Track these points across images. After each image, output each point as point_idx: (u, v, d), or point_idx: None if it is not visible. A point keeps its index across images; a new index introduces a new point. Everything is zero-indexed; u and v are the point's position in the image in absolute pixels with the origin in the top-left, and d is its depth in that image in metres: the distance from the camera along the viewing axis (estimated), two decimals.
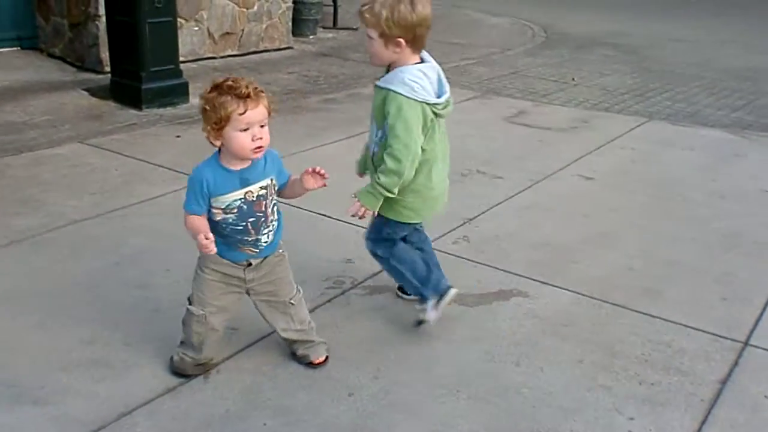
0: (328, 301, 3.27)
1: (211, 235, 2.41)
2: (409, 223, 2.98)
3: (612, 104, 7.07)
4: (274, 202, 2.55)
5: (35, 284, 3.29)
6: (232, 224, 2.48)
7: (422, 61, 2.79)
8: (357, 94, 6.97)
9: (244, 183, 2.46)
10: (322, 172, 2.58)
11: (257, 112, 2.36)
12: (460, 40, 10.08)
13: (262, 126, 2.39)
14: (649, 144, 5.82)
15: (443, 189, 2.99)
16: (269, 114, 2.43)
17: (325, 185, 2.62)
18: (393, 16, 2.62)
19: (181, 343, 2.68)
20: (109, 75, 6.36)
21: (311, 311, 3.11)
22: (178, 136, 5.44)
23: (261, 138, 2.39)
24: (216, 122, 2.35)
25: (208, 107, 2.36)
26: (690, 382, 2.82)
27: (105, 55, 6.66)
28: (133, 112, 5.95)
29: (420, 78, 2.70)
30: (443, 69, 2.90)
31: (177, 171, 4.66)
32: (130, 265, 3.50)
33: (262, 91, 2.40)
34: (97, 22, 6.84)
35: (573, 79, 8.11)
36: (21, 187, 4.38)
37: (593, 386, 2.77)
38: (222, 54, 8.03)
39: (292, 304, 2.70)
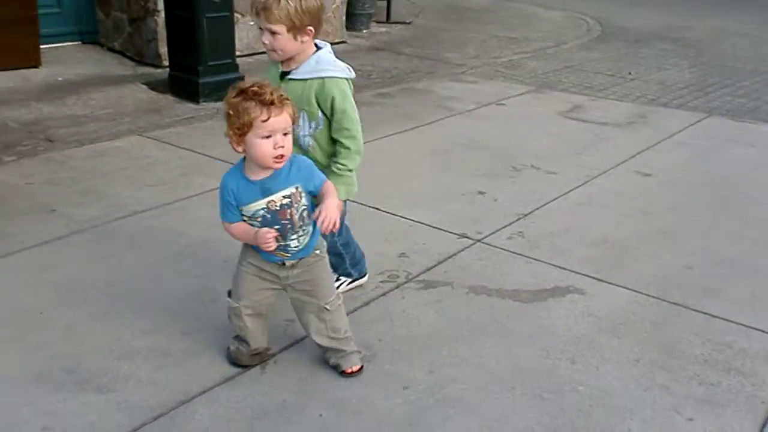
0: (383, 294, 3.28)
1: (271, 230, 2.43)
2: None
3: (670, 99, 6.94)
4: (303, 208, 2.48)
5: (97, 274, 3.37)
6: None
7: (317, 48, 2.81)
8: (410, 89, 6.97)
9: (266, 193, 2.42)
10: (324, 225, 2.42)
11: (281, 119, 2.32)
12: (513, 34, 9.99)
13: (285, 134, 2.34)
14: (709, 140, 5.70)
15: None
16: (293, 122, 2.40)
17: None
18: (302, 7, 2.63)
19: (235, 335, 2.72)
20: (168, 69, 6.47)
21: (366, 305, 3.13)
22: None
23: (283, 146, 2.34)
24: (238, 128, 2.32)
25: (231, 112, 2.33)
26: (751, 384, 2.76)
27: (163, 49, 6.77)
28: (190, 105, 6.04)
29: (336, 60, 2.80)
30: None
31: (233, 164, 4.71)
32: (188, 256, 3.56)
33: (287, 99, 2.36)
34: (156, 17, 6.95)
35: (630, 73, 7.97)
36: (82, 178, 4.49)
37: (651, 386, 2.73)
38: None
39: (328, 309, 2.63)
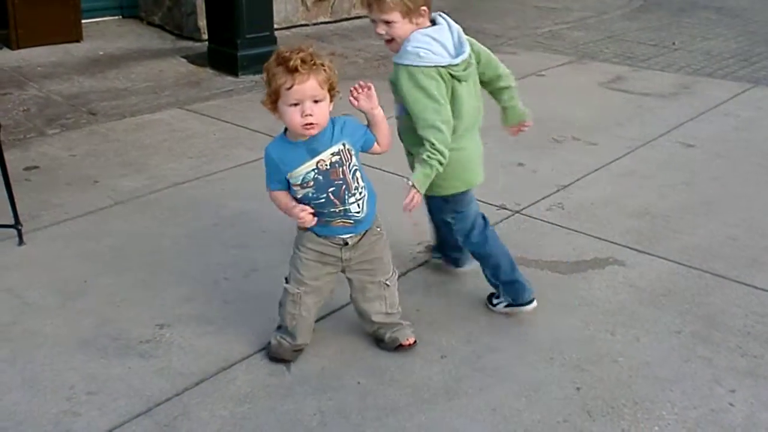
0: (420, 265, 3.28)
1: (306, 207, 2.40)
2: (456, 195, 2.80)
3: (715, 69, 6.78)
4: (355, 168, 2.41)
5: (139, 243, 3.43)
6: (313, 198, 2.39)
7: (434, 23, 2.65)
8: None
9: (313, 153, 2.34)
10: (360, 83, 2.41)
11: (306, 86, 2.22)
12: (553, 4, 9.82)
13: (316, 101, 2.25)
14: (755, 111, 5.56)
15: (480, 152, 2.83)
16: (331, 89, 2.30)
17: (371, 95, 2.43)
18: None
19: (278, 327, 2.64)
20: (207, 43, 6.51)
21: (403, 275, 3.14)
22: None
23: (311, 114, 2.25)
24: (269, 95, 2.28)
25: (265, 78, 2.30)
26: None
27: (202, 23, 6.80)
28: (229, 78, 6.07)
29: (427, 42, 2.55)
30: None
31: (272, 136, 4.68)
32: (228, 227, 3.60)
33: (321, 64, 2.26)
34: None
35: (673, 43, 7.80)
36: (124, 150, 4.55)
37: (692, 357, 2.70)
38: (315, 21, 8.08)
39: (387, 285, 2.59)
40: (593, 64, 6.89)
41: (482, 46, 2.78)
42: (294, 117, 2.26)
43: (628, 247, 3.46)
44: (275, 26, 6.48)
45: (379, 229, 2.57)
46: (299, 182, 2.37)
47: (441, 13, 2.67)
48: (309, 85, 2.23)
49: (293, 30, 7.73)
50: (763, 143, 4.88)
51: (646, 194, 4.06)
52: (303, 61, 2.21)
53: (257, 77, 6.10)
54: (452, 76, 2.59)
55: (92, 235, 3.50)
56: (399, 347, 2.66)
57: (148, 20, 7.57)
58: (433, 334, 2.79)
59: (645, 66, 6.86)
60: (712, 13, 9.57)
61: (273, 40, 6.34)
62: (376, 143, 2.50)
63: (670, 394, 2.50)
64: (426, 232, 3.28)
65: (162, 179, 4.12)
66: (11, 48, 6.46)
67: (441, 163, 2.54)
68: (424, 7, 2.57)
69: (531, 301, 2.88)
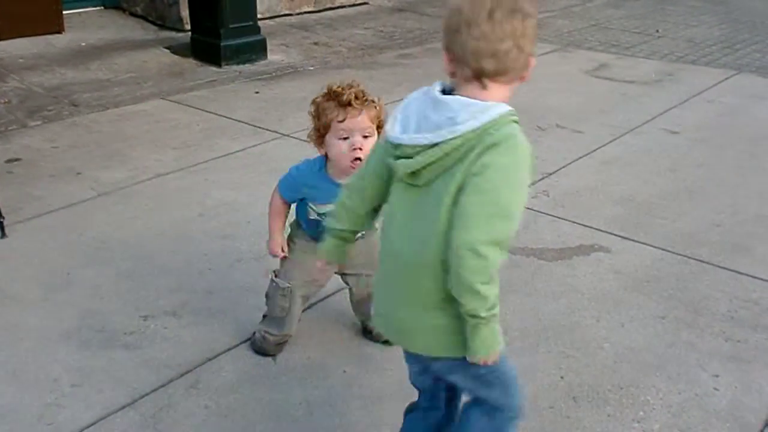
0: None
1: (284, 244, 2.47)
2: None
3: (698, 57, 6.80)
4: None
5: (123, 235, 3.41)
6: (324, 225, 2.31)
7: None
8: (433, 49, 6.89)
9: None
10: None
11: (357, 121, 2.25)
12: None
13: (365, 137, 2.27)
14: (738, 98, 5.58)
15: (384, 305, 1.81)
16: (380, 127, 2.28)
17: None
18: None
19: (264, 318, 2.61)
20: (189, 33, 6.45)
21: None
22: (256, 92, 5.49)
23: (360, 149, 2.25)
24: (318, 129, 2.30)
25: (313, 112, 2.32)
26: None
27: (185, 13, 6.74)
28: (213, 68, 6.03)
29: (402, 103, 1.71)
30: None
31: (256, 126, 4.72)
32: (212, 217, 3.58)
33: (373, 101, 2.29)
34: None
35: (657, 31, 7.81)
36: (107, 141, 4.51)
37: (676, 342, 2.71)
38: (298, 11, 8.03)
39: None
40: (578, 52, 6.90)
41: (488, 179, 1.56)
42: (342, 150, 2.26)
43: (613, 234, 3.47)
44: (258, 16, 6.44)
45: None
46: (319, 213, 2.37)
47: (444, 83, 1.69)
48: (360, 120, 2.25)
49: (277, 20, 7.68)
50: (747, 129, 4.91)
51: (631, 181, 4.07)
52: (356, 96, 2.25)
53: (240, 67, 6.07)
54: (390, 159, 1.68)
55: (75, 227, 3.47)
56: (386, 342, 2.60)
57: (131, 11, 7.50)
58: None
59: (629, 54, 6.87)
60: (696, 1, 9.59)
61: (256, 30, 6.31)
62: None
63: (654, 379, 2.52)
64: None
65: (145, 170, 4.09)
66: None
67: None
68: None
69: None
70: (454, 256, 1.55)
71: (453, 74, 1.63)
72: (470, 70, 1.59)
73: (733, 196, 3.92)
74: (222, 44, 6.04)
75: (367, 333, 2.68)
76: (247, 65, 6.14)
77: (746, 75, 6.20)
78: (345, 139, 2.25)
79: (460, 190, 1.56)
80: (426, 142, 1.58)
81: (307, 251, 2.44)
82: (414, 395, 2.02)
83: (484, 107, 1.56)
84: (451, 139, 1.55)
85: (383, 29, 7.69)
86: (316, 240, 2.35)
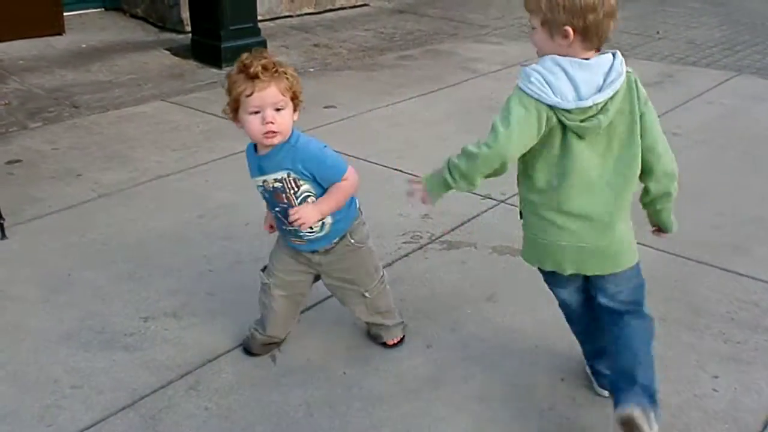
0: (405, 255, 3.28)
1: (272, 220, 2.47)
2: (542, 270, 2.33)
3: (699, 58, 6.80)
4: (307, 195, 2.29)
5: (123, 236, 3.41)
6: (269, 209, 2.43)
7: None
8: (433, 51, 6.90)
9: (261, 171, 2.31)
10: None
11: (267, 93, 2.15)
12: None
13: (277, 109, 2.18)
14: (739, 99, 5.59)
15: (590, 240, 2.15)
16: (294, 98, 2.23)
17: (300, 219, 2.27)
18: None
19: (259, 318, 2.60)
20: (190, 34, 6.47)
21: (388, 266, 3.13)
22: None
23: (272, 123, 2.17)
24: (229, 103, 2.22)
25: (225, 86, 2.24)
26: None
27: (185, 15, 6.75)
28: (213, 70, 6.04)
29: (550, 72, 1.99)
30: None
31: None
32: (212, 219, 3.58)
33: (284, 72, 2.19)
34: None
35: (657, 32, 7.82)
36: (108, 143, 4.52)
37: (676, 343, 2.72)
38: (298, 12, 8.04)
39: (366, 296, 2.51)
40: None
41: (653, 112, 2.12)
42: (254, 125, 2.19)
43: None
44: (259, 17, 6.45)
45: (353, 241, 2.43)
46: (257, 186, 2.38)
47: (616, 52, 2.06)
48: (270, 92, 2.16)
49: (277, 21, 7.69)
50: (747, 131, 4.91)
51: None
52: (264, 68, 2.15)
53: None
54: (562, 123, 2.02)
55: (76, 228, 3.48)
56: (384, 345, 2.65)
57: (131, 12, 7.52)
58: (419, 323, 2.79)
59: (629, 55, 6.86)
60: (696, 2, 9.59)
61: (257, 32, 6.31)
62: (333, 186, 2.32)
63: None
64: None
65: (146, 172, 4.10)
66: None
67: (447, 181, 2.18)
68: (568, 27, 1.96)
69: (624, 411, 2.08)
70: (668, 163, 2.28)
71: (570, 46, 2.00)
72: (599, 42, 2.02)
73: (733, 197, 3.92)
74: (222, 46, 6.05)
75: (368, 333, 2.69)
76: None
77: (747, 76, 6.21)
78: (256, 113, 2.17)
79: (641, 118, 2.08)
80: (609, 95, 2.00)
81: (287, 251, 2.48)
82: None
83: (618, 59, 2.04)
84: (619, 88, 2.01)
85: (383, 31, 7.70)
86: (284, 236, 2.46)
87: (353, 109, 5.09)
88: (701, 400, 2.43)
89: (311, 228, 2.34)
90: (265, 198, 2.39)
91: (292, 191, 2.30)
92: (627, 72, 2.04)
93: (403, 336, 2.68)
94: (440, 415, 2.36)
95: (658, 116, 2.16)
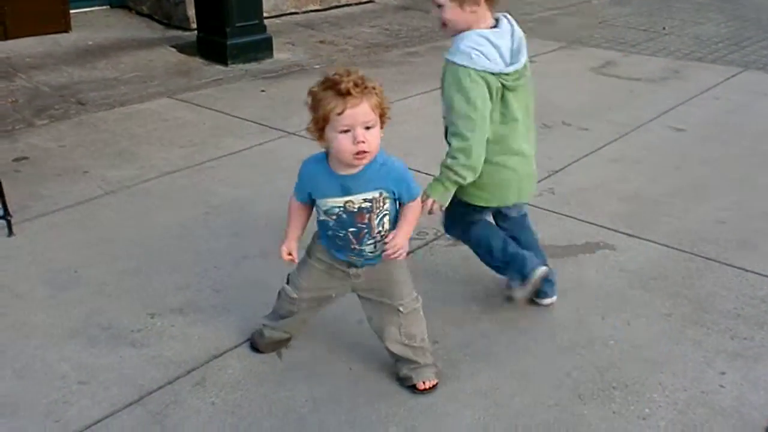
0: (411, 252, 3.28)
1: (293, 249, 2.34)
2: (481, 206, 2.68)
3: (705, 54, 6.78)
4: (385, 214, 2.25)
5: (129, 233, 3.42)
6: (333, 229, 2.27)
7: (496, 25, 2.50)
8: (439, 47, 6.88)
9: (345, 191, 2.19)
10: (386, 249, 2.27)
11: (358, 111, 2.06)
12: None
13: (367, 128, 2.09)
14: (745, 95, 5.57)
15: (525, 172, 2.66)
16: (382, 116, 2.14)
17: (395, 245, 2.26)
18: None
19: (272, 312, 2.57)
20: (196, 32, 6.47)
21: None
22: (262, 91, 5.50)
23: (364, 142, 2.08)
24: (316, 121, 2.12)
25: (310, 104, 2.13)
26: None
27: (191, 12, 6.76)
28: (219, 67, 6.04)
29: (481, 44, 2.40)
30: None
31: (262, 124, 4.73)
32: (218, 215, 3.59)
33: (373, 88, 2.10)
34: None
35: (664, 28, 7.80)
36: (114, 140, 4.53)
37: (682, 340, 2.71)
38: (304, 9, 8.04)
39: (401, 311, 2.37)
40: (584, 49, 6.89)
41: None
42: (345, 145, 2.09)
43: (619, 232, 3.47)
44: (264, 14, 6.45)
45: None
46: (324, 209, 2.27)
47: (507, 15, 2.51)
48: (361, 110, 2.07)
49: (283, 18, 7.69)
50: (753, 127, 4.90)
51: (637, 179, 4.07)
52: (355, 84, 2.06)
53: (247, 66, 6.09)
54: (503, 85, 2.46)
55: (82, 225, 3.49)
56: (413, 389, 2.43)
57: (137, 10, 7.53)
58: (426, 319, 2.78)
59: (635, 51, 6.86)
60: None
61: (263, 29, 6.32)
62: (406, 208, 2.30)
63: (660, 377, 2.52)
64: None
65: (152, 169, 4.11)
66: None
67: (457, 182, 2.49)
68: None
69: (537, 270, 2.67)
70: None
71: (477, 12, 2.45)
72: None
73: (739, 193, 3.91)
74: (228, 43, 6.06)
75: (397, 377, 2.49)
76: (253, 64, 6.15)
77: (753, 72, 6.19)
78: (346, 132, 2.08)
79: None
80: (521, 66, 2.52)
81: (320, 266, 2.39)
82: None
83: (513, 21, 2.52)
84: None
85: (389, 27, 7.69)
86: (330, 254, 2.35)
87: None
88: (708, 396, 2.43)
89: (374, 249, 2.28)
90: (337, 219, 2.24)
91: (377, 210, 2.23)
92: None
93: (437, 382, 2.45)
94: (446, 410, 2.36)
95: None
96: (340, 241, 2.29)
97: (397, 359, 2.45)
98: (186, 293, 2.95)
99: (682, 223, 3.57)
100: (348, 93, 2.05)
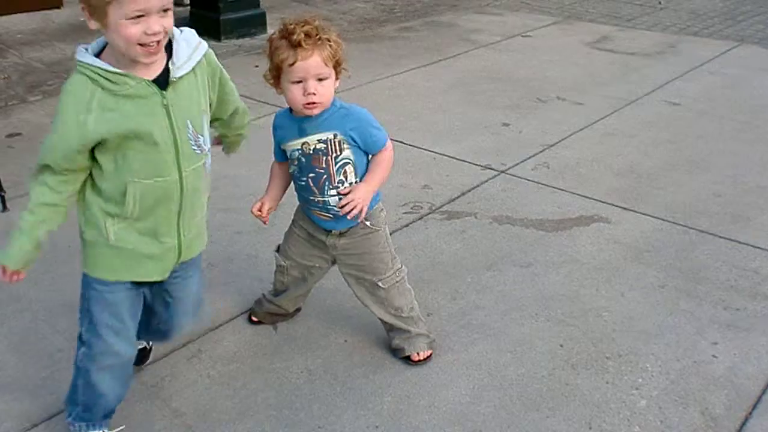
0: (406, 225, 3.29)
1: (265, 206, 2.36)
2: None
3: (701, 28, 6.76)
4: (346, 162, 2.21)
5: None
6: (297, 178, 2.28)
7: None
8: (434, 22, 6.85)
9: (302, 132, 2.21)
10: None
11: (310, 63, 2.05)
12: None
13: (320, 79, 2.09)
14: (740, 69, 5.56)
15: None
16: (337, 66, 2.13)
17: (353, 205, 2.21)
18: None
19: (272, 286, 2.58)
20: (189, 7, 6.42)
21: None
22: (256, 66, 5.46)
23: (313, 93, 2.09)
24: (271, 69, 2.13)
25: (267, 51, 2.14)
26: None
27: None
28: (212, 42, 5.95)
29: None
30: None
31: (256, 100, 4.70)
32: (213, 190, 3.54)
33: (327, 39, 2.08)
34: None
35: (659, 2, 7.76)
36: None
37: (675, 311, 2.73)
38: None
39: (380, 287, 2.37)
40: (579, 24, 6.86)
41: None
42: (296, 95, 2.11)
43: (613, 205, 3.47)
44: None
45: (369, 224, 2.33)
46: (288, 156, 2.28)
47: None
48: (312, 62, 2.06)
49: None
50: (749, 101, 4.89)
51: (632, 153, 4.07)
52: (307, 35, 2.04)
53: (240, 41, 6.05)
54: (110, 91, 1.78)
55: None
56: (408, 361, 2.44)
57: None
58: (420, 292, 2.79)
59: (631, 25, 6.83)
60: None
61: (256, 4, 6.28)
62: (373, 160, 2.27)
63: (653, 347, 2.53)
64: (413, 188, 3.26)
65: None
66: None
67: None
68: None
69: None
70: None
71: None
72: None
73: (734, 166, 3.91)
74: (221, 18, 6.02)
75: (390, 347, 2.50)
76: (246, 39, 6.11)
77: (748, 46, 6.17)
78: (298, 82, 2.09)
79: None
80: None
81: (302, 233, 2.41)
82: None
83: None
84: None
85: (384, 3, 7.64)
86: (309, 221, 2.36)
87: (353, 81, 5.06)
88: (700, 367, 2.45)
89: (338, 201, 2.24)
90: (298, 164, 2.25)
91: (333, 155, 2.21)
92: None
93: (431, 353, 2.46)
94: (440, 381, 2.37)
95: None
96: (304, 192, 2.29)
97: (389, 329, 2.46)
98: None
99: (677, 196, 3.57)
100: (299, 45, 2.04)
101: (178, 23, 1.83)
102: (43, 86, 4.98)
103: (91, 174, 1.87)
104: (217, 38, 6.03)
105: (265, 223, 2.40)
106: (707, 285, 2.88)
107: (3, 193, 3.37)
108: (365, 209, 2.23)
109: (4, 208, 3.36)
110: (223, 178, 3.69)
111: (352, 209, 2.20)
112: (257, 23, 6.25)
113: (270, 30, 6.28)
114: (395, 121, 4.32)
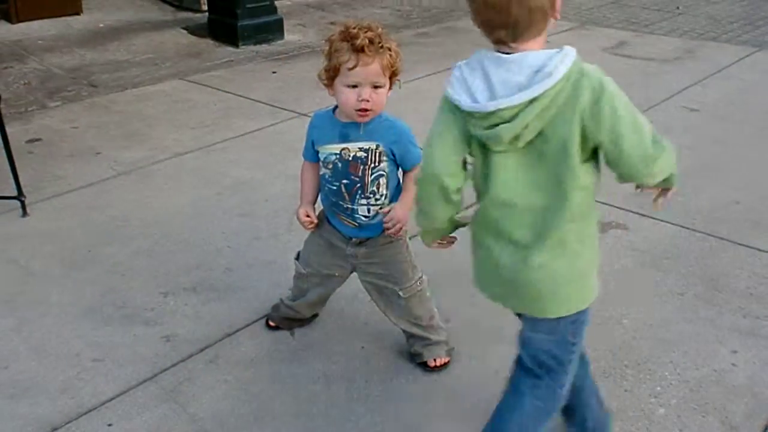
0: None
1: (310, 211, 2.34)
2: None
3: (719, 33, 6.72)
4: (380, 173, 2.23)
5: (142, 213, 3.43)
6: (328, 182, 2.26)
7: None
8: (450, 28, 6.85)
9: (343, 138, 2.20)
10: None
11: (369, 70, 2.06)
12: None
13: (375, 87, 2.09)
14: (759, 74, 5.52)
15: (495, 261, 1.85)
16: (392, 76, 2.12)
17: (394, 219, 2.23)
18: None
19: (290, 292, 2.58)
20: (207, 13, 6.46)
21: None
22: (273, 72, 5.50)
23: (367, 101, 2.09)
24: (328, 70, 2.12)
25: (326, 51, 2.12)
26: None
27: None
28: (230, 49, 6.04)
29: (471, 67, 1.71)
30: None
31: (273, 106, 4.73)
32: (230, 196, 3.60)
33: (389, 48, 2.08)
34: None
35: (678, 7, 7.72)
36: (127, 121, 4.54)
37: (695, 319, 2.71)
38: None
39: (401, 296, 2.36)
40: (597, 29, 6.84)
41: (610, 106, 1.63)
42: (350, 99, 2.10)
43: (632, 211, 3.45)
44: None
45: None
46: (322, 159, 2.27)
47: (566, 48, 1.67)
48: (372, 69, 2.06)
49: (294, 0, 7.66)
50: (767, 106, 4.85)
51: None
52: (371, 41, 2.04)
53: (258, 47, 6.08)
54: (475, 131, 1.70)
55: (95, 205, 3.51)
56: (425, 367, 2.43)
57: None
58: (437, 298, 2.78)
59: (649, 31, 6.80)
60: None
61: (273, 10, 6.31)
62: (407, 177, 2.27)
63: (672, 355, 2.51)
64: None
65: (164, 150, 4.12)
66: (11, 22, 6.42)
67: (420, 224, 2.04)
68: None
69: None
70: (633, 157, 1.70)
71: (498, 41, 1.67)
72: (491, 32, 1.71)
73: (753, 173, 3.88)
74: (239, 24, 6.05)
75: (419, 361, 2.47)
76: (264, 45, 6.14)
77: (767, 52, 6.12)
78: (353, 87, 2.09)
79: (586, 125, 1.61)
80: (518, 100, 1.58)
81: (322, 241, 2.39)
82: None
83: (556, 57, 1.62)
84: (540, 94, 1.57)
85: (400, 8, 7.65)
86: (330, 228, 2.35)
87: None
88: (720, 375, 2.43)
89: (368, 213, 2.27)
90: (333, 168, 2.23)
91: (371, 165, 2.21)
92: (577, 70, 1.63)
93: (449, 360, 2.46)
94: (458, 387, 2.37)
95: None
96: (333, 197, 2.27)
97: (409, 336, 2.46)
98: (198, 272, 2.96)
99: (695, 202, 3.55)
100: (362, 50, 2.04)
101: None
102: (63, 92, 5.02)
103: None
104: (235, 44, 6.06)
105: (312, 225, 2.37)
106: (727, 293, 2.85)
107: (23, 198, 3.40)
108: (402, 226, 2.26)
109: (25, 213, 3.39)
110: (240, 183, 3.71)
111: (393, 227, 2.23)
112: (274, 29, 6.28)
113: (288, 36, 6.32)
114: (412, 126, 4.31)
